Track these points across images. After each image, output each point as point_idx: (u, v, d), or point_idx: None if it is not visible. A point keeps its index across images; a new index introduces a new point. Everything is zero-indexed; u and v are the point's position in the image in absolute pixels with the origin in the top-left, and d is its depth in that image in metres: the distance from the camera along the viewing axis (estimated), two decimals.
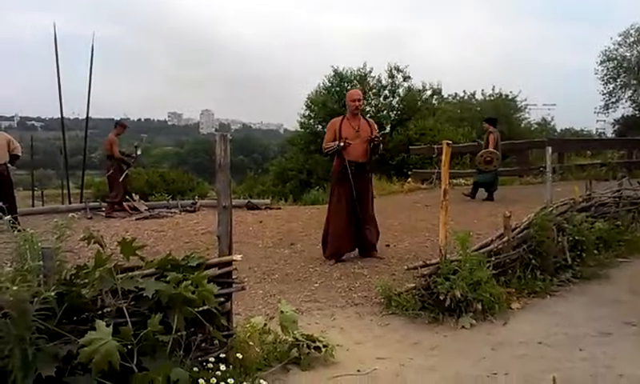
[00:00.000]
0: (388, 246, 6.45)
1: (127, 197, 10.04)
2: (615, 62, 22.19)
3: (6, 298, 1.99)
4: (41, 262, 2.16)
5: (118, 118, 11.79)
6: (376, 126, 5.98)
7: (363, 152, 5.64)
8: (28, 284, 2.06)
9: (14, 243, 2.28)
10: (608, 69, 22.40)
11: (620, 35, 21.80)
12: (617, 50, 22.11)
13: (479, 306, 3.83)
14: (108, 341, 2.02)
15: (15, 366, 1.97)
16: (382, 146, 5.86)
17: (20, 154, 8.29)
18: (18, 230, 2.32)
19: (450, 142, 4.26)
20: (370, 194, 5.86)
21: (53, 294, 2.06)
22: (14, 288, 1.98)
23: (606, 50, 22.23)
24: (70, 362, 2.05)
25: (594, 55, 23.07)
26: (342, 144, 5.51)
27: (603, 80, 22.61)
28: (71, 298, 2.17)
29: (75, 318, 2.23)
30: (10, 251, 2.30)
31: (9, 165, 7.94)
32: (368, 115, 21.60)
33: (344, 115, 5.88)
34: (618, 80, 22.48)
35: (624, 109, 23.42)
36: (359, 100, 5.77)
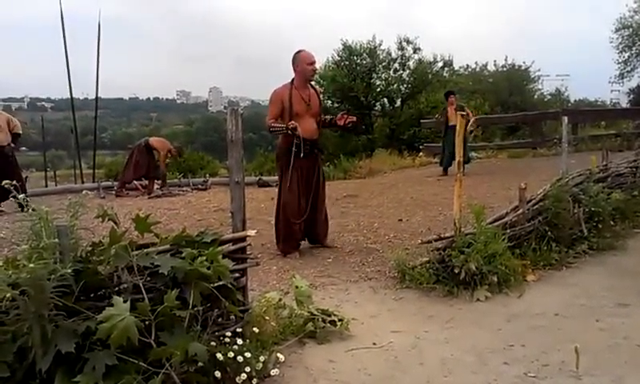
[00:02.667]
0: (400, 220, 6.43)
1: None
2: (630, 29, 21.65)
3: (23, 276, 2.00)
4: (56, 240, 2.16)
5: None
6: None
7: (315, 128, 4.92)
8: (44, 261, 2.06)
9: (29, 221, 2.28)
10: (623, 37, 21.88)
11: (636, 2, 21.20)
12: (632, 17, 21.56)
13: (494, 279, 3.80)
14: (126, 316, 2.03)
15: (35, 342, 1.99)
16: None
17: (21, 132, 8.21)
18: (33, 209, 2.32)
19: (464, 113, 4.19)
20: (323, 176, 5.20)
21: (69, 271, 2.06)
22: (31, 266, 1.99)
23: (621, 18, 21.69)
24: (88, 338, 2.06)
25: (609, 23, 22.55)
26: (293, 128, 4.67)
27: (618, 48, 22.14)
28: (88, 275, 2.17)
29: (92, 295, 2.24)
30: (25, 229, 2.30)
31: (12, 145, 7.93)
32: (378, 89, 21.61)
33: (291, 83, 4.87)
34: (634, 48, 21.96)
35: (639, 78, 22.96)
36: (315, 63, 4.94)
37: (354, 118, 5.08)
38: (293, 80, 4.90)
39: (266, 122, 4.93)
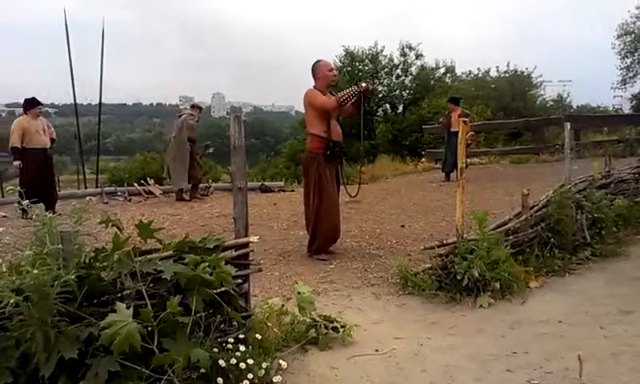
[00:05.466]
0: (403, 226, 6.42)
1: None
2: (633, 35, 21.66)
3: (26, 282, 2.00)
4: (60, 246, 2.17)
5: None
6: None
7: (341, 131, 5.13)
8: (48, 267, 2.07)
9: (33, 227, 2.29)
10: (625, 43, 21.90)
11: (638, 8, 21.24)
12: (634, 23, 21.57)
13: (497, 286, 3.79)
14: (128, 323, 2.03)
15: (38, 348, 1.99)
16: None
17: (55, 138, 8.45)
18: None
19: (467, 119, 4.20)
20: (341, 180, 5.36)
21: (73, 277, 2.07)
22: (35, 271, 2.00)
23: (623, 24, 21.72)
24: (91, 344, 2.07)
25: (612, 29, 22.56)
26: (363, 85, 4.90)
27: (620, 54, 22.15)
28: (91, 281, 2.18)
29: (95, 301, 2.25)
30: (28, 235, 2.31)
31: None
32: (380, 95, 21.64)
33: (315, 90, 5.07)
34: (636, 54, 21.97)
35: None
36: (334, 69, 5.26)
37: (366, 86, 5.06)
38: (315, 87, 5.07)
39: (327, 105, 4.94)
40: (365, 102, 5.02)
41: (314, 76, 5.12)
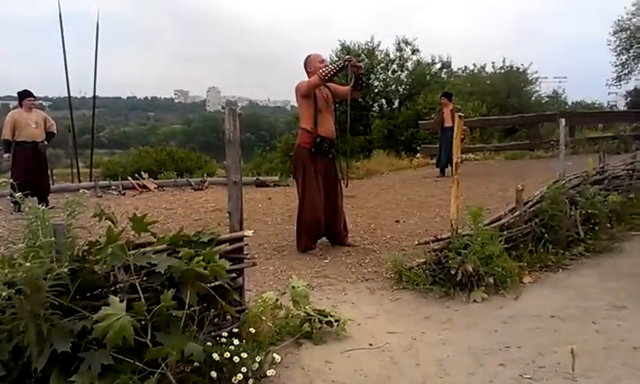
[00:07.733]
0: (397, 221, 6.44)
1: None
2: (628, 32, 21.73)
3: (19, 275, 1.99)
4: (53, 239, 2.15)
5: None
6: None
7: (333, 128, 5.05)
8: (41, 260, 2.05)
9: (26, 220, 2.27)
10: (621, 39, 21.97)
11: (634, 4, 21.30)
12: (630, 19, 21.64)
13: (491, 281, 3.81)
14: (122, 316, 2.02)
15: (30, 341, 1.98)
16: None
17: (55, 132, 8.41)
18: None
19: (462, 114, 4.20)
20: (339, 177, 5.24)
21: (66, 270, 2.05)
22: (27, 264, 1.98)
23: (619, 20, 21.79)
24: (84, 338, 2.06)
25: (607, 26, 22.64)
26: (348, 57, 4.85)
27: (616, 51, 22.22)
28: (84, 274, 2.17)
29: (88, 294, 2.24)
30: (21, 228, 2.29)
31: (45, 142, 8.10)
32: (376, 90, 21.62)
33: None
34: (631, 51, 22.05)
35: (637, 80, 23.07)
36: (325, 61, 5.17)
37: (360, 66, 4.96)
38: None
39: (310, 83, 4.89)
40: (357, 81, 4.88)
41: (306, 71, 5.12)
